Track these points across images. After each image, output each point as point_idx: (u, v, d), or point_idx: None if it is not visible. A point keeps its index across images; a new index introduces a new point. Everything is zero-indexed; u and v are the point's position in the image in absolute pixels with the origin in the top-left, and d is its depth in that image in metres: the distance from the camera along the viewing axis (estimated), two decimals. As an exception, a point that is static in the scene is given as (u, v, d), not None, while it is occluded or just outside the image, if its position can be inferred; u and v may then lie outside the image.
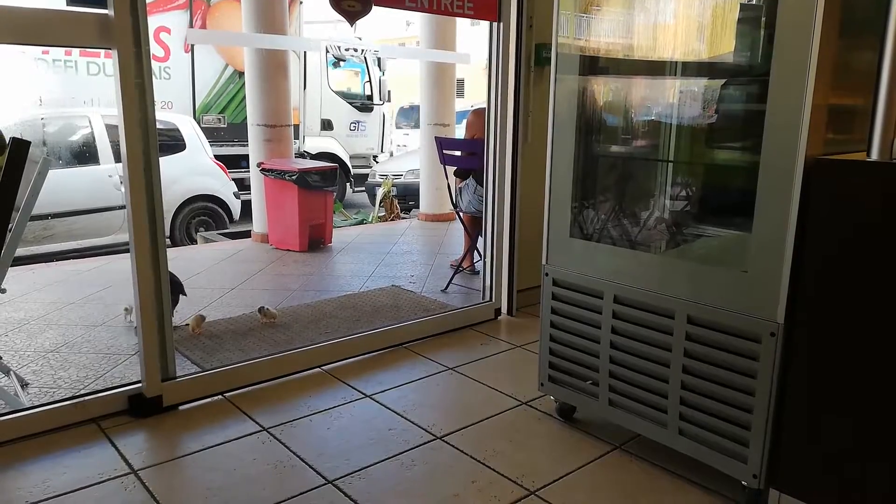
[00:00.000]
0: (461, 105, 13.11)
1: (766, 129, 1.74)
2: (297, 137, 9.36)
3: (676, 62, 2.52)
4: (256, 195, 6.07)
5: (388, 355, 3.12)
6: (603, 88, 2.55)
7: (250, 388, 2.73)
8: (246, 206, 6.83)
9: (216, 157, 7.50)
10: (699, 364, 1.97)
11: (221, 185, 7.29)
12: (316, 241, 5.76)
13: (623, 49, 2.47)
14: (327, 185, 5.76)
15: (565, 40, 2.33)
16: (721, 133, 2.44)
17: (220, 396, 2.65)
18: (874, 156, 1.57)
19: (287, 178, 5.52)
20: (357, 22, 3.31)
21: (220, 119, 9.12)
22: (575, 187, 2.36)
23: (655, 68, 2.54)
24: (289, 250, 5.62)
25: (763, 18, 2.15)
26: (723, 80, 2.46)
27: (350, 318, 3.67)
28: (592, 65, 2.40)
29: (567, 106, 2.34)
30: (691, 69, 2.51)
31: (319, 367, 2.94)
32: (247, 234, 6.41)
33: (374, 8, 3.21)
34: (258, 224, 6.11)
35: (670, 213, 2.66)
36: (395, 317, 3.67)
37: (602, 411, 2.29)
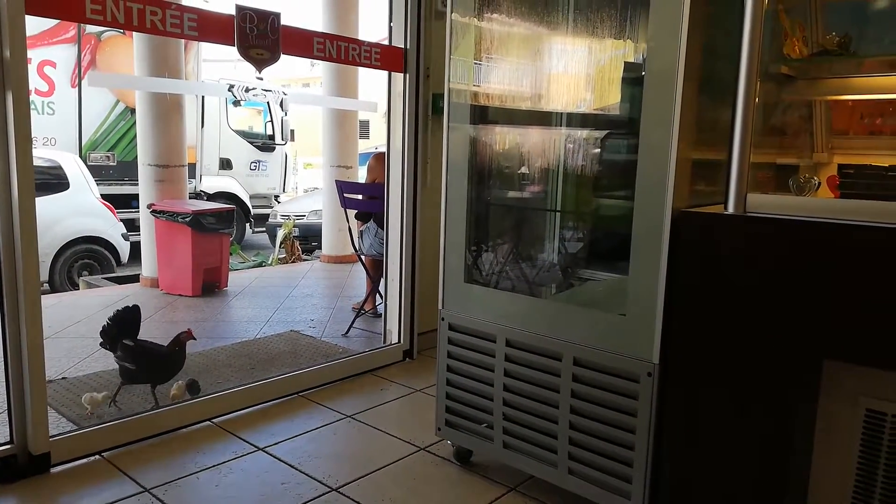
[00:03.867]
0: (367, 146, 13.20)
1: (638, 181, 1.88)
2: (193, 177, 9.05)
3: (563, 113, 2.68)
4: (146, 237, 5.79)
5: (283, 405, 3.03)
6: (494, 137, 2.66)
7: (133, 445, 2.56)
8: (136, 249, 6.50)
9: (104, 196, 7.11)
10: (585, 404, 2.05)
11: (108, 226, 6.90)
12: (210, 284, 5.55)
13: (512, 100, 2.60)
14: (223, 226, 5.60)
15: (458, 89, 2.40)
16: (604, 182, 2.60)
17: (97, 456, 2.47)
18: (730, 209, 1.73)
19: (180, 220, 5.31)
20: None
21: (108, 157, 8.68)
22: (469, 233, 2.43)
23: (544, 119, 2.68)
24: (180, 295, 5.38)
25: (642, 75, 2.32)
26: (606, 132, 2.63)
27: (244, 367, 3.54)
28: (483, 114, 2.49)
29: (460, 154, 2.41)
30: (577, 120, 2.67)
31: (209, 419, 2.81)
32: (135, 279, 6.08)
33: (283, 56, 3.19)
34: (148, 268, 5.82)
35: (559, 259, 2.78)
36: (293, 364, 3.58)
37: (497, 454, 2.33)
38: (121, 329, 2.97)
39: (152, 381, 2.97)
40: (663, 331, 1.85)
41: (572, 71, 2.62)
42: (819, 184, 2.00)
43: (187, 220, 5.28)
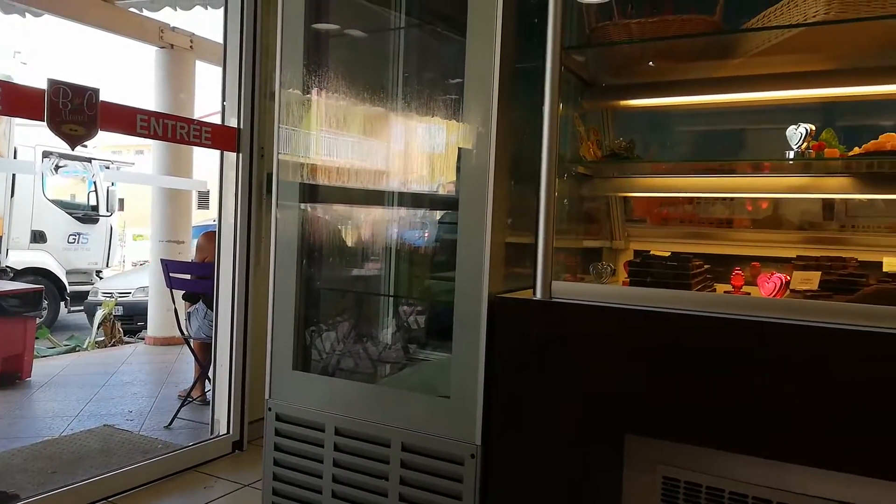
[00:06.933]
0: (206, 217, 12.57)
1: (458, 267, 1.98)
2: (-3, 251, 8.10)
3: (397, 193, 2.74)
4: (-70, 323, 5.03)
5: (88, 513, 2.70)
6: (327, 216, 2.65)
7: None
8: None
9: None
10: (414, 490, 2.04)
11: None
12: (10, 375, 4.90)
13: (346, 178, 2.62)
14: (28, 309, 5.03)
15: (289, 168, 2.38)
16: (439, 261, 2.68)
17: None
18: (538, 295, 1.87)
19: (-26, 303, 4.70)
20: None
21: None
22: (298, 317, 2.38)
23: (378, 198, 2.73)
24: (-30, 389, 4.69)
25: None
26: (437, 213, 2.74)
27: (44, 471, 3.13)
28: (315, 193, 2.46)
29: (290, 233, 2.36)
30: (411, 200, 2.75)
31: (-8, 540, 2.43)
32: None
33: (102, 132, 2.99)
34: (-70, 359, 5.03)
35: (393, 340, 2.81)
36: (105, 464, 3.22)
37: (327, 549, 2.23)
38: None
39: None
40: (484, 412, 1.92)
41: (407, 151, 2.72)
42: (614, 270, 2.23)
43: (-17, 302, 4.69)
